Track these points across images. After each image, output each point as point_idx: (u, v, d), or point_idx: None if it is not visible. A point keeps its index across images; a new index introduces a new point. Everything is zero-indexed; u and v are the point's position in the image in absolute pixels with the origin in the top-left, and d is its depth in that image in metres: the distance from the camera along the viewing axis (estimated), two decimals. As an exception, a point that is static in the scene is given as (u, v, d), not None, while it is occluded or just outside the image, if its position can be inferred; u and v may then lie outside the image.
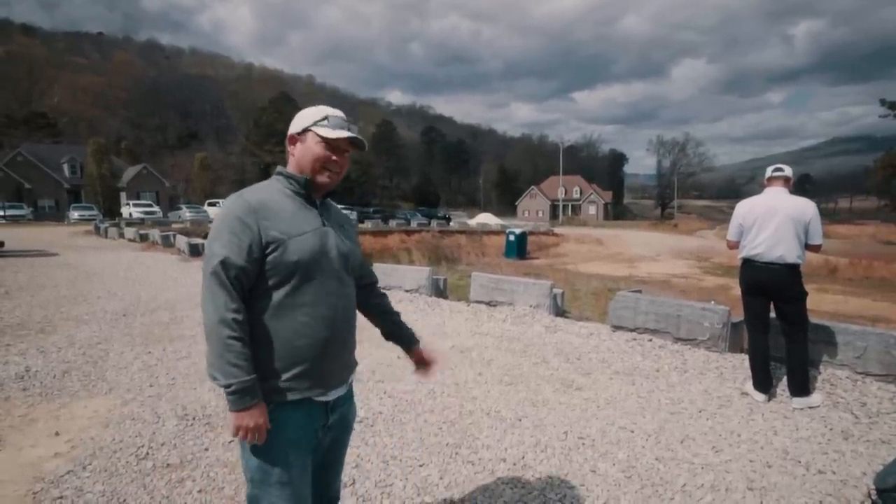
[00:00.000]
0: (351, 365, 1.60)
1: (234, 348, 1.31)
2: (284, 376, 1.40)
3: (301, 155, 1.48)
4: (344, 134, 1.46)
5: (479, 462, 2.80)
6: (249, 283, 1.38)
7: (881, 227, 53.02)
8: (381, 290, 1.84)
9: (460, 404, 3.59)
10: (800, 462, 2.80)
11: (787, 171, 3.77)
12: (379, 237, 25.22)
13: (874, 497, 2.36)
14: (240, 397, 1.32)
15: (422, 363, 1.84)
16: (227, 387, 1.31)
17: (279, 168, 1.53)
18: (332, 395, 1.51)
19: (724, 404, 3.60)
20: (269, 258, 1.37)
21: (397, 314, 1.81)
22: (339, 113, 1.50)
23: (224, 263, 1.33)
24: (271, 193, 1.45)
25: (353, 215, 40.12)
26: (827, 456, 2.86)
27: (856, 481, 2.60)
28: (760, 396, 3.65)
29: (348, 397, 1.62)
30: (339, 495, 1.75)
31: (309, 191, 1.48)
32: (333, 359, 1.49)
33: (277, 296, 1.39)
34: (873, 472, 2.59)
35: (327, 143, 1.45)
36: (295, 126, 1.50)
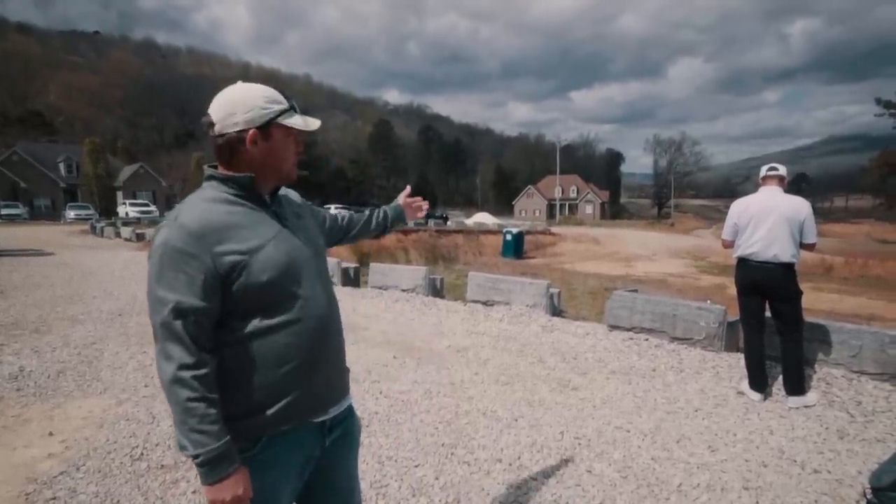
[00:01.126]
0: (345, 373, 1.43)
1: (197, 411, 1.09)
2: (275, 407, 1.21)
3: (269, 154, 1.24)
4: (316, 121, 1.29)
5: (474, 462, 2.79)
6: (213, 322, 1.16)
7: (876, 226, 53.25)
8: (356, 213, 1.80)
9: (456, 404, 3.58)
10: (795, 461, 2.80)
11: (782, 170, 3.78)
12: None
13: (869, 496, 2.37)
14: (211, 468, 1.11)
15: (409, 209, 1.88)
16: (194, 458, 1.11)
17: (209, 171, 1.25)
18: (332, 413, 1.35)
19: (720, 404, 3.60)
20: (234, 287, 1.15)
21: (371, 212, 1.80)
22: (278, 94, 1.26)
23: (176, 310, 1.10)
24: (211, 206, 1.19)
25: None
26: (822, 455, 2.87)
27: (851, 480, 2.60)
28: (756, 396, 3.65)
29: (349, 410, 1.44)
30: None
31: (256, 191, 1.25)
32: (326, 375, 1.32)
33: (253, 323, 1.19)
34: (868, 470, 2.59)
35: (299, 135, 1.27)
36: (248, 118, 1.20)
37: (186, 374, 1.10)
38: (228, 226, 1.17)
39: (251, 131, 1.21)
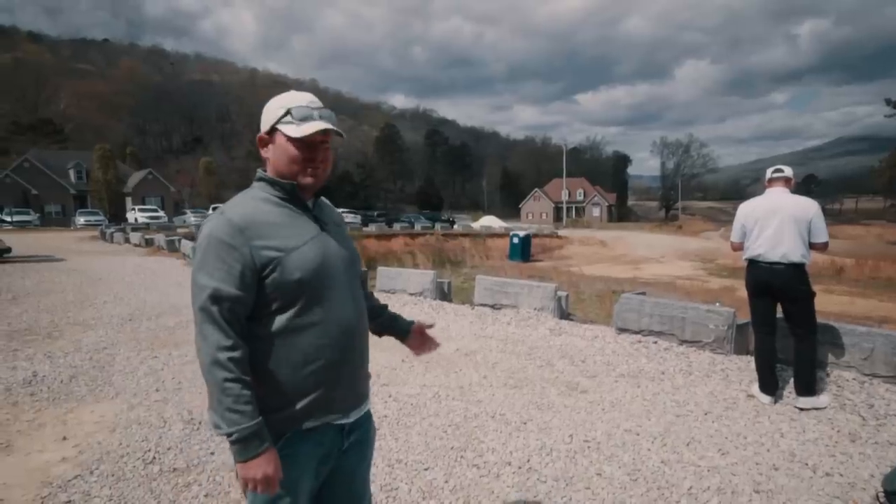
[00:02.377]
0: (367, 379, 1.46)
1: (233, 392, 1.16)
2: (299, 405, 1.26)
3: (276, 158, 1.29)
4: (312, 128, 1.25)
5: (484, 465, 2.80)
6: (247, 312, 1.22)
7: (887, 228, 52.69)
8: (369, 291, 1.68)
9: (465, 408, 3.59)
10: (807, 464, 2.78)
11: (788, 171, 3.77)
12: (383, 241, 25.25)
13: (882, 499, 2.35)
14: (244, 446, 1.17)
15: (419, 338, 1.68)
16: (228, 436, 1.17)
17: (260, 172, 1.34)
18: (353, 417, 1.39)
19: (729, 406, 3.58)
20: (268, 280, 1.21)
21: (386, 307, 1.66)
22: (302, 99, 1.29)
23: (214, 297, 1.18)
24: (257, 204, 1.27)
25: (357, 218, 40.27)
26: (834, 458, 2.85)
27: (864, 484, 2.58)
28: (766, 398, 3.63)
29: (367, 416, 1.48)
30: None
31: (298, 196, 1.31)
32: (350, 378, 1.36)
33: (282, 319, 1.24)
34: (881, 474, 2.57)
35: (298, 141, 1.26)
36: (262, 124, 1.31)
37: (223, 355, 1.17)
38: (270, 224, 1.24)
39: (259, 135, 1.33)
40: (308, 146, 1.27)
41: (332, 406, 1.32)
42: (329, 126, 1.27)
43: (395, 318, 1.67)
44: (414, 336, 1.67)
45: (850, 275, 17.49)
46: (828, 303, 11.47)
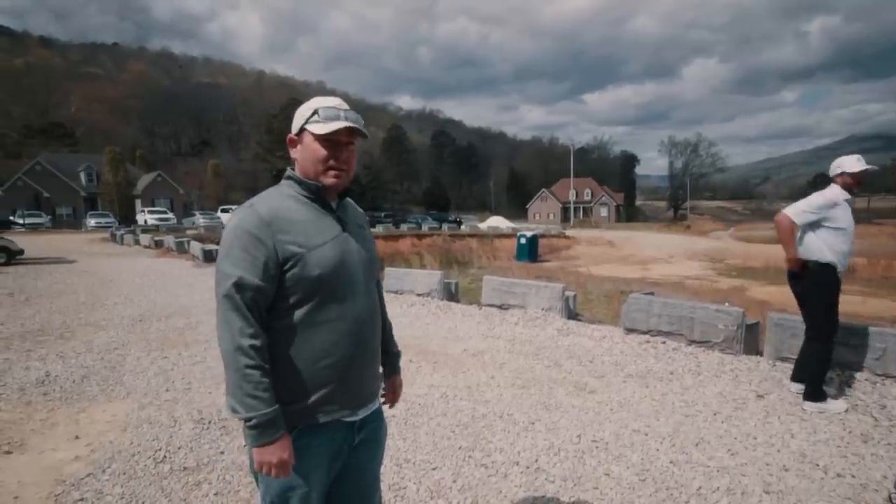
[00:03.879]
0: (377, 377, 1.51)
1: (253, 378, 1.20)
2: (311, 399, 1.30)
3: (302, 157, 1.35)
4: (336, 126, 1.29)
5: (492, 465, 2.80)
6: (267, 303, 1.26)
7: (900, 227, 52.05)
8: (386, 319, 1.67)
9: (473, 408, 3.59)
10: (818, 465, 2.76)
11: (833, 169, 3.59)
12: (390, 241, 25.30)
13: (894, 501, 2.33)
14: (261, 431, 1.21)
15: (390, 387, 1.71)
16: (247, 420, 1.21)
17: (289, 171, 1.39)
18: (362, 414, 1.42)
19: (739, 407, 3.56)
20: (288, 274, 1.25)
21: (389, 337, 1.67)
22: (331, 102, 1.35)
23: (238, 285, 1.21)
24: (284, 201, 1.32)
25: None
26: (846, 459, 2.82)
27: (876, 485, 2.56)
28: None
29: (378, 413, 1.51)
30: None
31: (322, 196, 1.36)
32: (361, 376, 1.39)
33: (299, 314, 1.28)
34: (894, 475, 2.55)
35: (324, 139, 1.31)
36: (293, 126, 1.37)
37: (246, 342, 1.21)
38: (295, 220, 1.29)
39: (290, 136, 1.38)
40: (333, 145, 1.32)
41: (343, 402, 1.35)
42: (353, 125, 1.31)
43: (393, 358, 1.69)
44: (388, 384, 1.69)
45: (863, 274, 17.27)
46: (839, 302, 11.36)
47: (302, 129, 1.34)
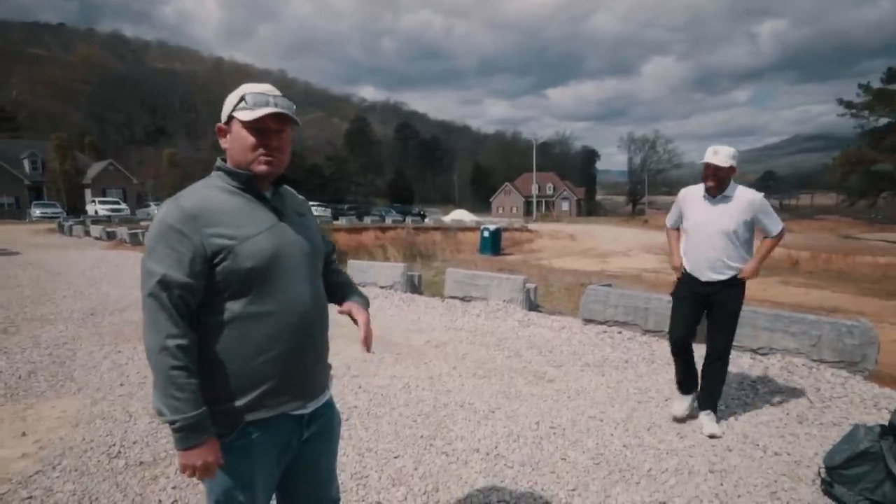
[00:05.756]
0: (326, 370, 1.46)
1: (179, 380, 1.16)
2: (253, 394, 1.26)
3: (231, 146, 1.30)
4: (263, 112, 1.24)
5: (452, 453, 2.86)
6: (196, 300, 1.21)
7: (840, 222, 55.09)
8: (336, 267, 1.62)
9: (434, 397, 3.64)
10: (758, 445, 2.94)
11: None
12: (354, 234, 25.05)
13: (823, 474, 2.51)
14: (186, 435, 1.18)
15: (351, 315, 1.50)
16: (171, 423, 1.17)
17: (218, 162, 1.34)
18: (311, 407, 1.38)
19: (688, 392, 3.73)
20: (219, 268, 1.20)
21: (347, 282, 1.58)
22: (260, 88, 1.29)
23: (162, 283, 1.17)
24: (211, 192, 1.27)
25: (328, 212, 39.80)
26: (783, 439, 3.02)
27: (808, 461, 2.75)
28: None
29: (329, 405, 1.47)
30: (339, 496, 1.62)
31: (254, 185, 1.31)
32: (307, 368, 1.35)
33: (234, 309, 1.23)
34: (825, 452, 2.74)
35: (252, 127, 1.26)
36: (222, 114, 1.32)
37: (171, 342, 1.17)
38: (223, 212, 1.24)
39: (219, 125, 1.34)
40: (261, 132, 1.27)
41: (287, 396, 1.31)
42: (281, 111, 1.26)
43: (344, 295, 1.54)
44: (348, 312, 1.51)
45: (805, 267, 18.23)
46: (784, 293, 11.98)
47: (231, 118, 1.29)
